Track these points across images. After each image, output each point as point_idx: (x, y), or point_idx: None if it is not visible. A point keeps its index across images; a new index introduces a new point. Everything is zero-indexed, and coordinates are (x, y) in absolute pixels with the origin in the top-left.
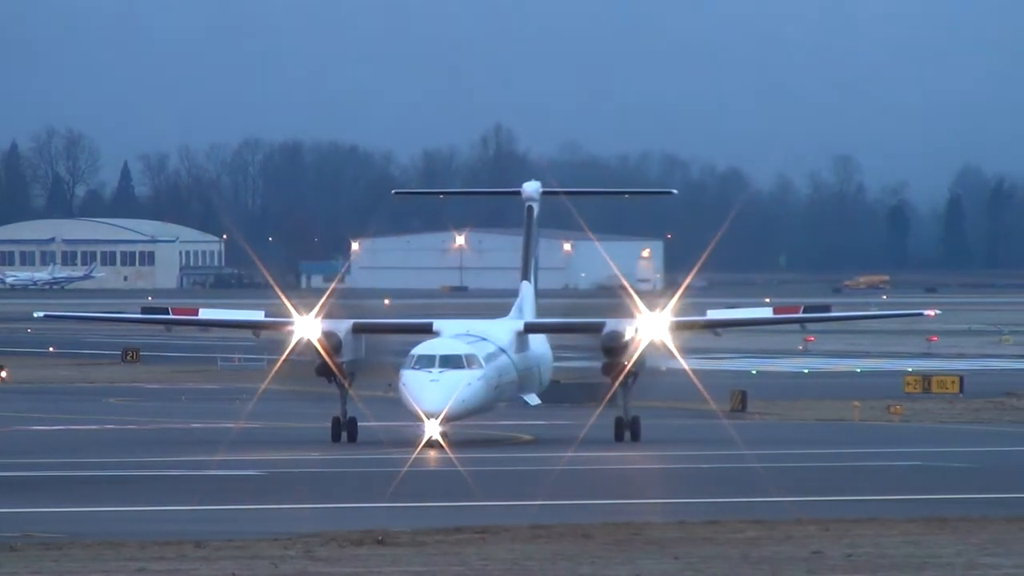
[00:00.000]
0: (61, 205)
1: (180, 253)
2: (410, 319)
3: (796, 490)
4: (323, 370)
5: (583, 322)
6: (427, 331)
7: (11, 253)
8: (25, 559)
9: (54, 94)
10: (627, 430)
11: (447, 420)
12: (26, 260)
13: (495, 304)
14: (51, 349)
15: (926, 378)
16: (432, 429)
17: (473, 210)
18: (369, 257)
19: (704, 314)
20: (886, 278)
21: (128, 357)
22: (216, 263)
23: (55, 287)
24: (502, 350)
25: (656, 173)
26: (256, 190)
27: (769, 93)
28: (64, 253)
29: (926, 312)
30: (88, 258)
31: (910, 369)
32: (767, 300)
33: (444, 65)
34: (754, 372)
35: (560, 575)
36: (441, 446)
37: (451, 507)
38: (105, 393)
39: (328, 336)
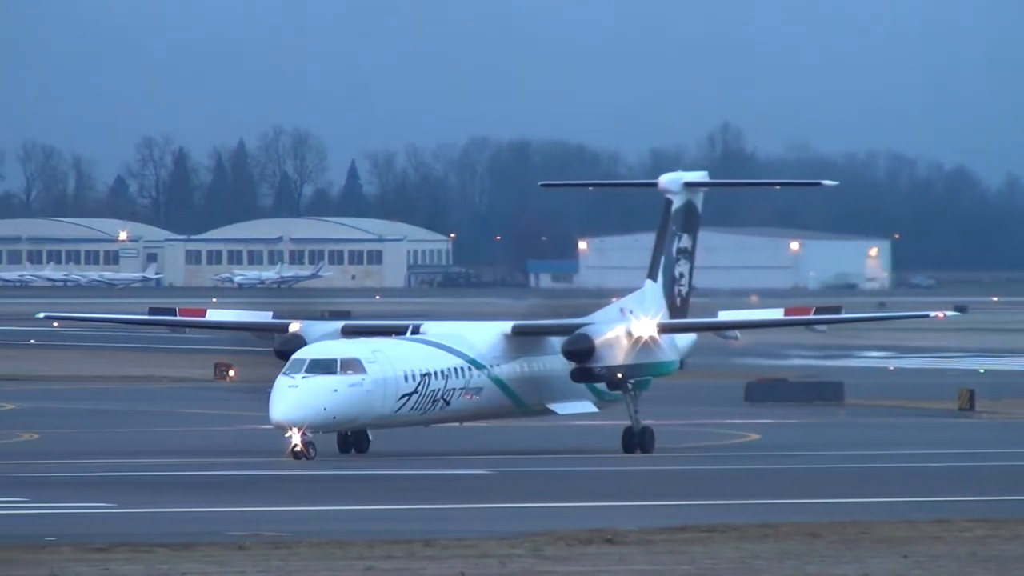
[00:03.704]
0: (289, 204)
1: (408, 252)
2: (403, 320)
3: None
4: None
5: (563, 324)
6: (415, 333)
7: (239, 252)
8: (253, 558)
9: (281, 92)
10: (636, 442)
11: (311, 430)
12: (254, 259)
13: (719, 304)
14: None
15: None
16: (296, 438)
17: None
18: (597, 256)
19: (715, 315)
20: None
21: None
22: (444, 262)
23: (283, 286)
24: (465, 357)
25: (883, 171)
26: (483, 189)
27: (997, 89)
28: (292, 252)
29: (933, 314)
30: (316, 257)
31: None
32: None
33: (672, 64)
34: (982, 371)
35: (788, 574)
36: (305, 456)
37: (676, 505)
38: None
39: (291, 339)
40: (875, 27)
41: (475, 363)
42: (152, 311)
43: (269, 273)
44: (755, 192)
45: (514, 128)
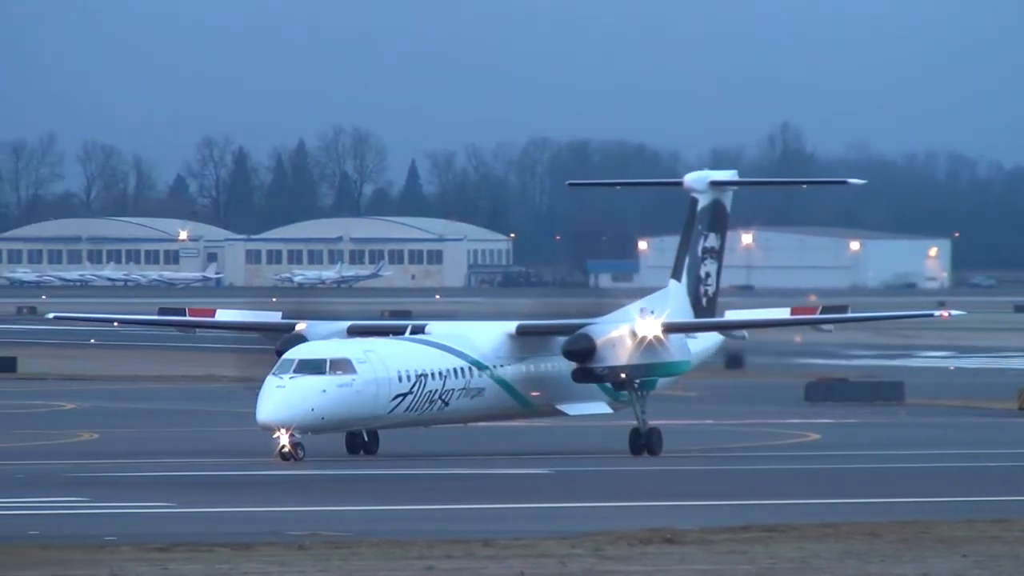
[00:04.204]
0: (349, 203)
1: (468, 252)
2: (409, 320)
3: None
4: None
5: (567, 324)
6: (420, 332)
7: (299, 252)
8: (313, 558)
9: (341, 92)
10: (643, 443)
11: (299, 431)
12: (314, 259)
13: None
14: None
15: None
16: (283, 439)
17: (760, 208)
18: (657, 256)
19: (722, 315)
20: None
21: None
22: (503, 262)
23: (343, 286)
24: (466, 358)
25: (943, 171)
26: (543, 189)
27: None
28: (352, 252)
29: (938, 313)
30: (376, 256)
31: None
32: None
33: (734, 64)
34: None
35: (848, 573)
36: (293, 458)
37: (738, 505)
38: None
39: (293, 339)
40: (932, 30)
41: (477, 363)
42: (162, 311)
43: (329, 273)
44: (814, 192)
45: (574, 128)
